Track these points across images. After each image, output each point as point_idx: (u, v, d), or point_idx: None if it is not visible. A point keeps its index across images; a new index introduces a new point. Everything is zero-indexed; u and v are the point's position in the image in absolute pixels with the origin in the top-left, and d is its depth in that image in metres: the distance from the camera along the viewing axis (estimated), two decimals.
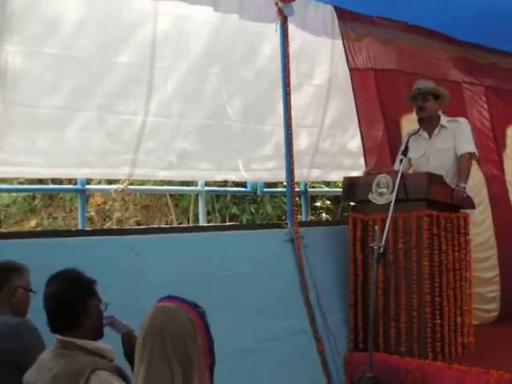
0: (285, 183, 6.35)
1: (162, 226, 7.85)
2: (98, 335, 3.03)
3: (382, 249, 5.02)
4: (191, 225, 8.06)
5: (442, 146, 5.85)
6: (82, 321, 2.91)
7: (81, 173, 5.47)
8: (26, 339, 3.31)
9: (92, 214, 9.02)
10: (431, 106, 5.85)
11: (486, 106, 7.42)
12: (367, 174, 5.88)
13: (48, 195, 8.79)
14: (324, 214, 10.22)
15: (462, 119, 6.07)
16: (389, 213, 5.12)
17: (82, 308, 2.91)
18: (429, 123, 5.89)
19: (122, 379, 2.79)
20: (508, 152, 7.58)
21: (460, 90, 7.09)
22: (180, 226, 8.17)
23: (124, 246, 4.89)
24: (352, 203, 6.89)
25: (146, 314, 2.47)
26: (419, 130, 5.80)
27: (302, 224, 6.01)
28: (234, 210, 9.23)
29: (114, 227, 7.78)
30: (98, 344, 2.98)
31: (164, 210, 9.61)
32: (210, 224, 6.47)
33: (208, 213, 9.03)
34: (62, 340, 2.91)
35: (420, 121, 5.84)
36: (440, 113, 5.96)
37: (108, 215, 9.22)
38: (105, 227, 8.44)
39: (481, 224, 6.79)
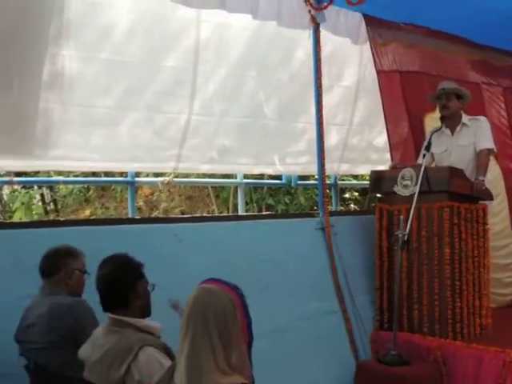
0: (316, 176, 6.34)
1: (203, 215, 7.86)
2: (146, 314, 3.06)
3: (406, 237, 5.01)
4: (231, 214, 8.06)
5: (464, 143, 5.80)
6: (132, 301, 2.93)
7: (131, 167, 5.52)
8: (81, 317, 3.35)
9: (141, 204, 9.08)
10: (454, 105, 5.80)
11: (503, 106, 7.35)
12: (393, 167, 5.85)
13: (101, 187, 8.88)
14: (352, 205, 10.20)
15: (482, 118, 6.02)
16: (413, 204, 5.09)
17: (132, 289, 2.93)
18: (451, 121, 5.84)
19: (168, 356, 2.81)
20: None
21: (479, 90, 7.02)
22: (220, 215, 8.19)
23: (168, 233, 4.90)
24: (378, 195, 6.84)
25: (189, 295, 2.48)
26: (441, 127, 5.75)
27: (332, 214, 5.99)
28: (270, 200, 9.23)
29: (160, 216, 7.80)
30: (147, 322, 3.01)
31: (206, 201, 9.63)
32: (247, 213, 6.46)
33: (246, 203, 9.05)
34: (113, 318, 2.94)
35: (442, 119, 5.78)
36: (462, 112, 5.90)
37: (155, 205, 9.27)
38: (152, 216, 8.49)
39: (498, 214, 6.74)
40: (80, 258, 3.62)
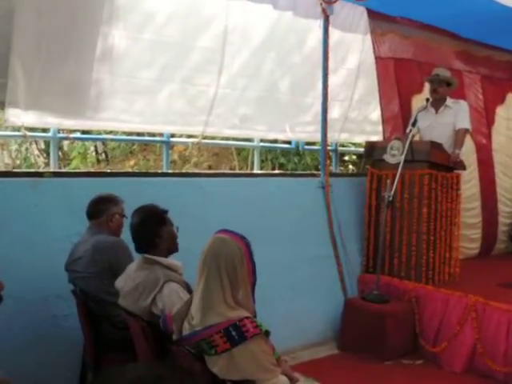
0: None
1: (224, 171, 7.82)
2: (172, 252, 3.07)
3: (391, 197, 5.00)
4: (247, 172, 8.03)
5: (445, 121, 5.75)
6: (158, 243, 2.94)
7: (166, 129, 5.48)
8: (119, 254, 3.37)
9: (175, 158, 9.06)
10: (443, 90, 5.76)
11: (480, 90, 7.22)
12: (388, 139, 5.79)
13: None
14: (351, 166, 10.11)
15: (463, 102, 5.96)
16: (398, 170, 5.07)
17: (156, 235, 2.94)
18: (437, 102, 5.78)
19: (187, 290, 2.83)
20: (496, 126, 7.42)
21: (461, 76, 6.88)
22: (238, 172, 8.16)
23: (195, 185, 4.89)
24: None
25: (206, 242, 2.48)
26: (426, 106, 5.66)
27: (331, 175, 5.93)
28: (282, 160, 9.17)
29: (190, 170, 7.78)
30: (172, 261, 3.02)
31: (230, 158, 9.60)
32: (261, 172, 6.43)
33: (262, 161, 9.00)
34: (144, 257, 2.95)
35: (428, 99, 5.69)
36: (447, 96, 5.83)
37: (187, 159, 9.24)
38: (184, 169, 8.47)
39: (469, 181, 6.68)
40: (120, 204, 3.63)
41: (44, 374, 3.71)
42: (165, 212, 3.05)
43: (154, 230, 2.94)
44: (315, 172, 6.15)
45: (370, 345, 4.78)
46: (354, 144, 8.56)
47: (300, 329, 5.05)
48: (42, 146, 8.52)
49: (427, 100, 5.66)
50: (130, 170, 7.78)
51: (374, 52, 6.16)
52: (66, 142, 8.56)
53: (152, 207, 3.04)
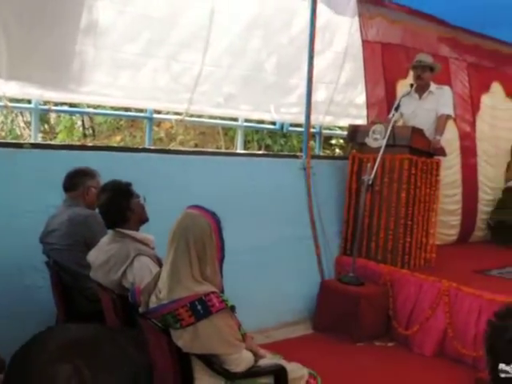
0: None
1: (207, 149, 7.76)
2: (143, 222, 3.09)
3: (371, 181, 5.01)
4: (229, 151, 8.02)
5: (428, 107, 5.72)
6: (129, 217, 2.95)
7: (150, 104, 5.47)
8: (93, 227, 3.38)
9: (162, 135, 9.04)
10: (427, 76, 5.73)
11: (466, 78, 7.21)
12: (371, 123, 5.78)
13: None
14: (337, 150, 10.12)
15: (446, 87, 5.93)
16: (379, 154, 5.07)
17: (127, 208, 2.94)
18: (421, 88, 5.76)
19: (158, 265, 2.84)
20: (481, 114, 7.40)
21: (447, 63, 6.89)
22: (220, 150, 8.14)
23: (177, 163, 4.89)
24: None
25: (177, 217, 2.49)
26: (410, 91, 5.66)
27: (313, 157, 5.94)
28: (269, 141, 9.16)
29: (173, 148, 7.75)
30: (143, 234, 3.04)
31: (216, 137, 9.58)
32: (244, 151, 6.42)
33: (248, 142, 9.00)
34: (116, 230, 2.96)
35: (412, 85, 5.69)
36: (431, 81, 5.81)
37: (174, 137, 9.22)
38: (170, 146, 8.46)
39: (451, 168, 6.70)
40: (96, 177, 3.63)
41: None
42: (129, 185, 3.06)
43: (123, 204, 2.95)
44: (298, 154, 6.15)
45: (343, 326, 4.83)
46: (341, 128, 8.55)
47: (275, 308, 5.09)
48: (29, 118, 8.47)
49: (411, 85, 5.66)
50: (115, 145, 7.75)
51: (362, 35, 6.11)
52: (53, 116, 8.52)
53: (116, 182, 3.05)
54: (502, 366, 1.12)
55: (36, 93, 4.68)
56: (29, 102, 5.03)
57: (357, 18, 6.18)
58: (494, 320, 1.24)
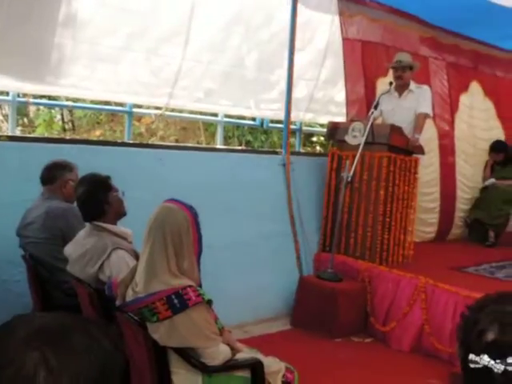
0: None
1: (186, 144, 7.72)
2: (121, 216, 3.07)
3: (349, 178, 5.05)
4: (208, 146, 8.00)
5: (407, 105, 5.77)
6: (106, 210, 2.93)
7: (129, 99, 5.43)
8: (70, 221, 3.36)
9: (142, 130, 8.98)
10: (407, 76, 5.78)
11: (445, 77, 7.28)
12: (351, 120, 5.81)
13: (111, 113, 8.75)
14: (318, 147, 10.15)
15: (425, 87, 5.98)
16: (358, 152, 5.10)
17: (105, 201, 2.93)
18: (400, 86, 5.81)
19: (136, 258, 2.83)
20: (459, 113, 7.47)
21: (427, 63, 6.94)
22: (199, 145, 8.13)
23: (154, 157, 4.87)
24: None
25: (153, 211, 2.48)
26: (389, 90, 5.69)
27: (293, 153, 5.95)
28: (249, 137, 9.16)
29: (152, 142, 7.71)
30: (121, 228, 3.02)
31: (197, 132, 9.55)
32: (222, 147, 6.40)
33: (229, 138, 8.99)
34: (93, 224, 2.94)
35: (391, 83, 5.72)
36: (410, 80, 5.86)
37: (154, 132, 9.17)
38: (150, 141, 8.41)
39: (429, 166, 6.75)
40: (74, 170, 3.61)
41: None
42: (108, 178, 3.05)
43: (101, 197, 2.94)
44: (277, 150, 6.15)
45: (321, 322, 4.86)
46: (322, 125, 8.59)
47: (254, 304, 5.11)
48: (7, 111, 8.38)
49: (390, 83, 5.69)
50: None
51: (342, 33, 6.14)
52: (32, 109, 8.43)
53: (95, 175, 3.04)
54: (471, 356, 1.14)
55: (13, 85, 4.63)
56: (7, 94, 4.98)
57: (337, 16, 6.19)
58: (467, 313, 1.25)
